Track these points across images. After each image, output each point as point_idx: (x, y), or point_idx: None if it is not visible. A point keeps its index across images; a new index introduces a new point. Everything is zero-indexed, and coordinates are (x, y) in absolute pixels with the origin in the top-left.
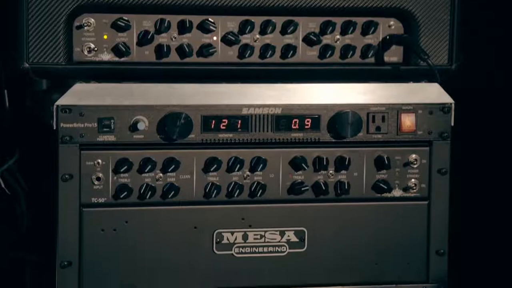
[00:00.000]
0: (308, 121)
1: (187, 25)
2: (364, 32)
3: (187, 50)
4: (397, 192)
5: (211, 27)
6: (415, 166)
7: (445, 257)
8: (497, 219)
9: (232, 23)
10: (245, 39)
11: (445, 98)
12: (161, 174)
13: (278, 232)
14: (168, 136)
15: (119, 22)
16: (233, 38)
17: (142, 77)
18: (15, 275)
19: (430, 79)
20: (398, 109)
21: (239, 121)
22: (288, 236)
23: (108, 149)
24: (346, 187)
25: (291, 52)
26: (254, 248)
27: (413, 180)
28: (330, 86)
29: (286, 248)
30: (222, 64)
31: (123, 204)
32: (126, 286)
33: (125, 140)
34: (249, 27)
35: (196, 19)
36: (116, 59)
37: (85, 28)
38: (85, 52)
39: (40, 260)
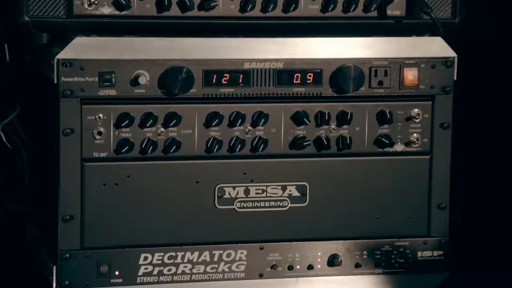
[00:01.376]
0: (310, 76)
1: None
2: None
3: (188, 3)
4: (399, 147)
5: None
6: (417, 120)
7: (446, 211)
8: (499, 173)
9: None
10: None
11: (448, 52)
12: (162, 129)
13: (279, 187)
14: (169, 91)
15: None
16: None
17: (143, 31)
18: (16, 229)
19: (433, 33)
20: (400, 63)
21: (241, 76)
22: (290, 190)
23: (109, 103)
24: (348, 141)
25: (293, 5)
26: (255, 203)
27: (415, 134)
28: (332, 40)
29: (288, 203)
30: (224, 18)
31: (124, 158)
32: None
33: (126, 94)
34: None
35: None
36: (117, 12)
37: None
38: (86, 6)
39: (41, 213)
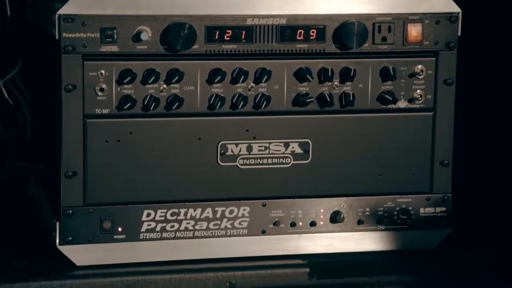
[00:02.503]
0: (313, 32)
1: None
2: None
3: None
4: (402, 103)
5: None
6: (421, 77)
7: (449, 167)
8: (502, 129)
9: None
10: None
11: (452, 7)
12: (165, 86)
13: (282, 144)
14: (171, 47)
15: None
16: None
17: None
18: (19, 185)
19: None
20: (404, 19)
21: (244, 32)
22: (293, 147)
23: (111, 59)
24: (351, 98)
25: None
26: (258, 160)
27: (418, 91)
28: None
29: (291, 160)
30: None
31: (127, 115)
32: (130, 197)
33: (128, 50)
34: None
35: None
36: None
37: None
38: None
39: (44, 170)
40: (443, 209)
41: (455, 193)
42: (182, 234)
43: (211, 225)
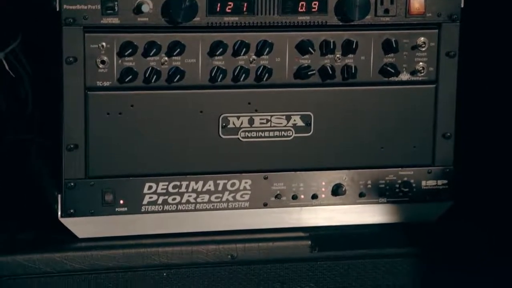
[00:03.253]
0: (315, 4)
1: None
2: None
3: None
4: (404, 76)
5: None
6: (423, 49)
7: (451, 140)
8: (505, 100)
9: None
10: None
11: None
12: (166, 58)
13: (284, 117)
14: (173, 19)
15: None
16: None
17: None
18: (20, 158)
19: None
20: None
21: (245, 4)
22: (294, 120)
23: (112, 32)
24: (353, 71)
25: None
26: (260, 133)
27: (421, 63)
28: None
29: (292, 133)
30: None
31: (128, 88)
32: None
33: (129, 22)
34: None
35: None
36: None
37: None
38: None
39: (45, 143)
40: (445, 181)
41: (457, 165)
42: (183, 206)
43: (212, 198)
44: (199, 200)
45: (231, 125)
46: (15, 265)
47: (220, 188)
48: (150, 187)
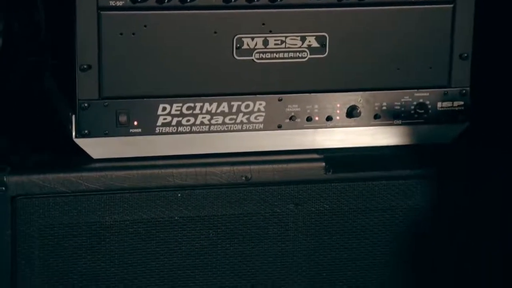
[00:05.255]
0: None
1: None
2: None
3: None
4: None
5: None
6: None
7: (468, 61)
8: None
9: None
10: None
11: None
12: None
13: (299, 38)
14: None
15: None
16: None
17: None
18: (35, 79)
19: None
20: None
21: None
22: (309, 41)
23: None
24: None
25: None
26: (274, 54)
27: None
28: None
29: (307, 54)
30: None
31: (141, 7)
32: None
33: None
34: None
35: None
36: None
37: None
38: None
39: (59, 63)
40: (461, 103)
41: (473, 87)
42: (197, 128)
43: (226, 120)
44: (213, 121)
45: (245, 46)
46: (31, 185)
47: (234, 109)
48: (164, 108)
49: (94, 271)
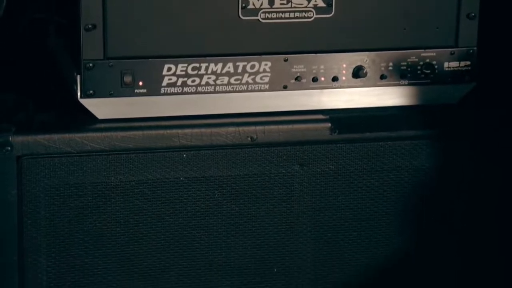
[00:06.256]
0: None
1: None
2: None
3: None
4: None
5: None
6: None
7: (475, 20)
8: None
9: None
10: None
11: None
12: None
13: None
14: None
15: None
16: None
17: None
18: (39, 38)
19: None
20: None
21: None
22: (315, 1)
23: None
24: None
25: None
26: (280, 14)
27: None
28: None
29: (313, 14)
30: None
31: None
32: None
33: None
34: None
35: None
36: None
37: None
38: None
39: (64, 22)
40: (468, 63)
41: (480, 47)
42: (203, 89)
43: (232, 80)
44: (218, 82)
45: (251, 6)
46: (36, 145)
47: (239, 70)
48: (169, 69)
49: (99, 231)
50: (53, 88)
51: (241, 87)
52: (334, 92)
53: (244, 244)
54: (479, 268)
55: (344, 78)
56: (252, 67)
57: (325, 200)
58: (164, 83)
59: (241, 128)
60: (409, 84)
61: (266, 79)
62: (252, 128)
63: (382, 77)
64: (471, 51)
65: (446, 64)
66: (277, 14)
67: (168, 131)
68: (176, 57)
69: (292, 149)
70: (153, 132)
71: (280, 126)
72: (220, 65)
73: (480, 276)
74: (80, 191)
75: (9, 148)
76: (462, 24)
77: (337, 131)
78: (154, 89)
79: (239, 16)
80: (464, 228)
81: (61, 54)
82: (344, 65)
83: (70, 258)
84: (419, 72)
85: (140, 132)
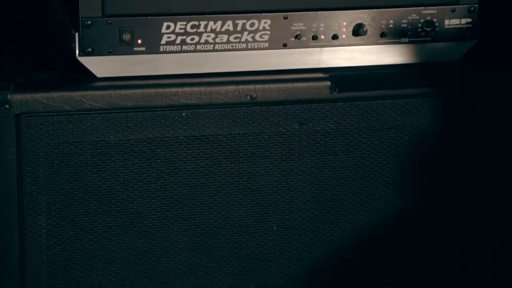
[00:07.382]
0: None
1: None
2: None
3: None
4: None
5: None
6: None
7: None
8: None
9: None
10: None
11: None
12: None
13: None
14: None
15: None
16: None
17: None
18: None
19: None
20: None
21: None
22: None
23: None
24: None
25: None
26: None
27: None
28: None
29: None
30: None
31: None
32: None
33: None
34: None
35: None
36: None
37: None
38: None
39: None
40: (469, 20)
41: (481, 3)
42: (202, 47)
43: (231, 38)
44: (217, 40)
45: None
46: (35, 103)
47: (239, 28)
48: (168, 27)
49: (99, 189)
50: (52, 46)
51: (240, 45)
52: (334, 50)
53: (244, 203)
54: (478, 229)
55: (344, 36)
56: (252, 25)
57: (325, 158)
58: (163, 41)
59: (240, 87)
60: (409, 42)
61: (266, 37)
62: (252, 86)
63: (383, 35)
64: (472, 8)
65: (447, 22)
66: None
67: (167, 89)
68: (175, 15)
69: (291, 108)
70: (152, 90)
71: (280, 85)
72: (219, 23)
73: (479, 236)
74: (79, 149)
75: (7, 106)
76: None
77: (337, 90)
78: (153, 47)
79: None
80: (463, 187)
81: (60, 11)
82: (344, 23)
83: (70, 216)
84: (419, 29)
85: (139, 91)
